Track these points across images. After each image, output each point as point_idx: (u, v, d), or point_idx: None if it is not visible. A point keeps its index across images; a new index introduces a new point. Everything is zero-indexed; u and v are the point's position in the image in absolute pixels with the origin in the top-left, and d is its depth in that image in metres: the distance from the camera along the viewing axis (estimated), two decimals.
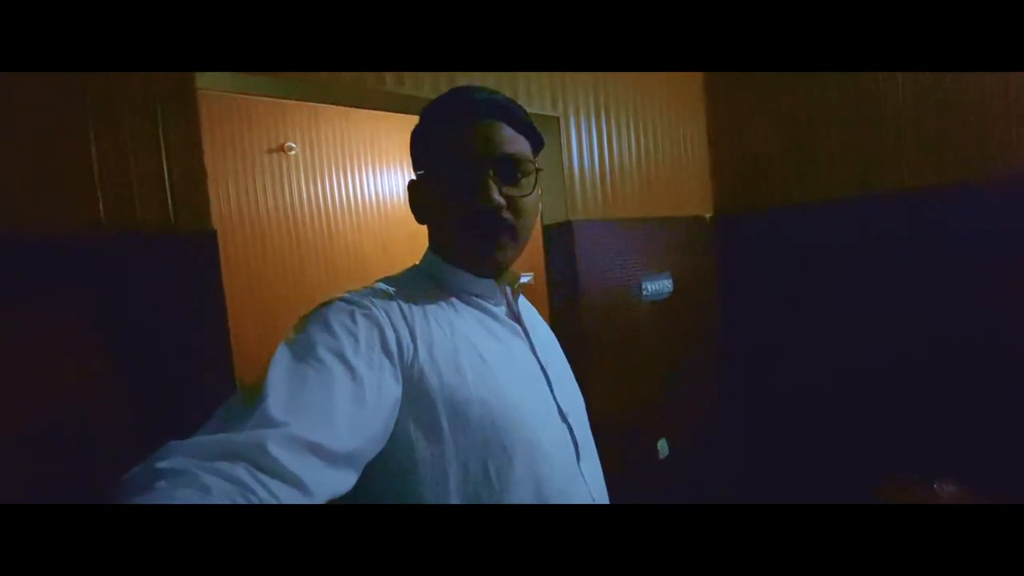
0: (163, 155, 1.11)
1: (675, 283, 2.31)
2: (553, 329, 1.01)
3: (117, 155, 1.06)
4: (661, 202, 2.33)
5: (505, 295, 0.76)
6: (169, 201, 1.12)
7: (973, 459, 1.87)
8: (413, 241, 3.72)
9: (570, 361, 0.98)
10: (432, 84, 1.58)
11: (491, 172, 0.66)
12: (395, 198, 3.93)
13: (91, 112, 1.03)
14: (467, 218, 0.67)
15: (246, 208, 3.28)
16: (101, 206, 1.04)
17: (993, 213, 1.85)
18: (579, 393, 0.82)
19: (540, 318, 0.88)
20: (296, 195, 3.49)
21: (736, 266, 2.52)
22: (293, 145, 3.42)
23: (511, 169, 0.68)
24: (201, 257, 1.17)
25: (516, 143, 0.69)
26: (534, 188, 0.71)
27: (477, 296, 0.73)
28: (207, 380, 1.16)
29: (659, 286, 2.24)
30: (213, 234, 1.19)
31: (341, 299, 0.62)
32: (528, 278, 3.34)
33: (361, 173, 3.79)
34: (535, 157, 0.73)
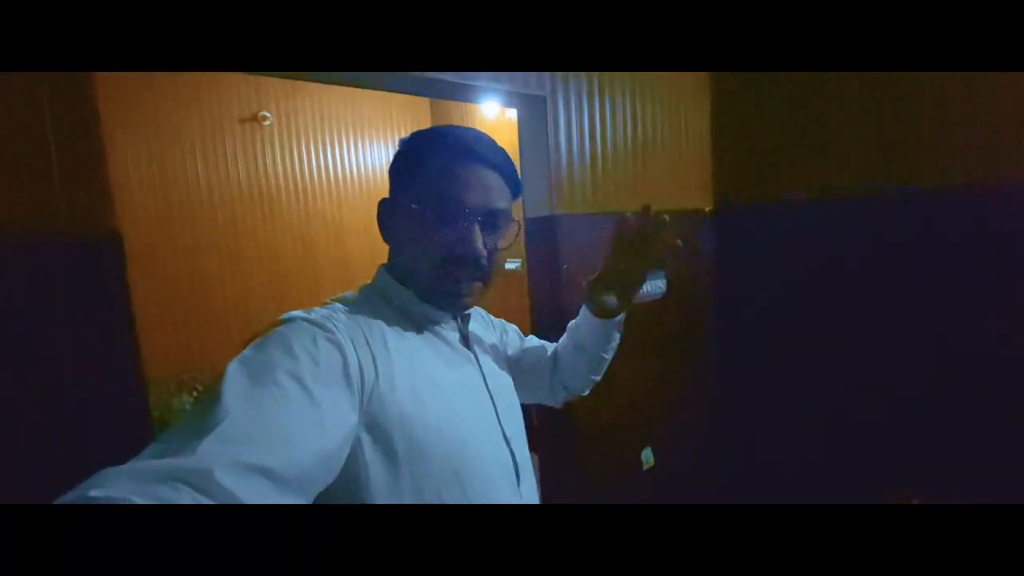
0: (50, 142, 0.91)
1: (670, 281, 2.14)
2: (534, 333, 0.96)
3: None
4: (658, 193, 2.14)
5: (458, 321, 0.78)
6: (60, 200, 0.93)
7: (974, 464, 1.79)
8: None
9: None
10: None
11: (478, 223, 0.69)
12: (379, 174, 3.71)
13: None
14: (447, 260, 0.69)
15: (215, 181, 3.07)
16: None
17: (1005, 217, 1.72)
18: (521, 416, 0.82)
19: (490, 330, 0.91)
20: (271, 168, 3.27)
21: (736, 264, 2.35)
22: (268, 115, 3.18)
23: (495, 223, 0.71)
24: (98, 261, 0.98)
25: (503, 197, 0.72)
26: (512, 242, 0.74)
27: (432, 323, 0.74)
28: (111, 398, 0.99)
29: (652, 287, 2.06)
30: (114, 235, 1.00)
31: (303, 318, 0.60)
32: (516, 264, 3.17)
33: (342, 146, 3.55)
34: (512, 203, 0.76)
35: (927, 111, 1.84)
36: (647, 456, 2.15)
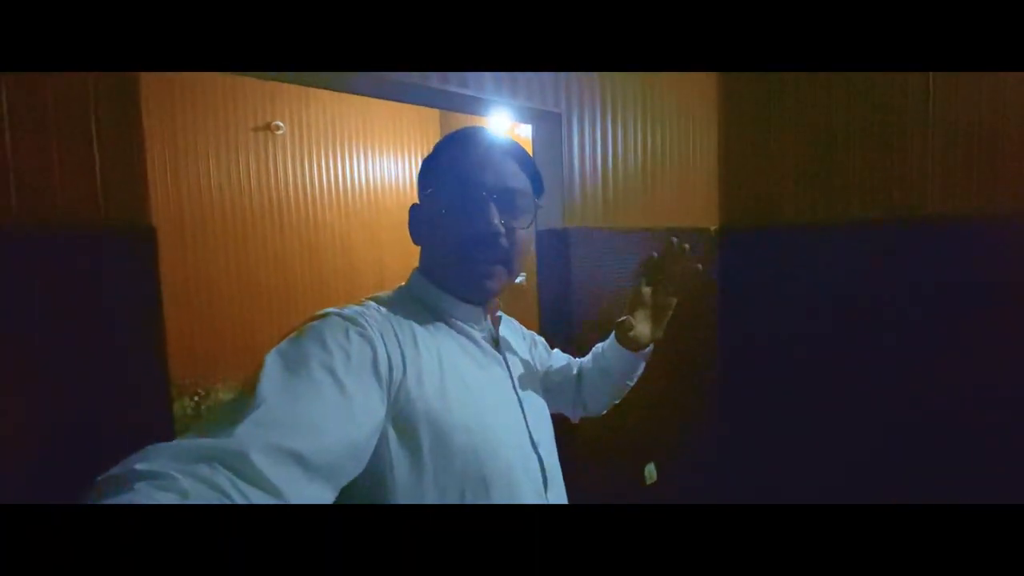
0: (95, 141, 0.95)
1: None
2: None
3: (37, 138, 0.90)
4: (665, 211, 2.18)
5: (488, 323, 0.78)
6: (100, 194, 0.96)
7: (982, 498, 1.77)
8: (402, 230, 3.55)
9: None
10: (423, 71, 1.42)
11: (493, 200, 0.69)
12: (387, 186, 3.76)
13: (7, 92, 0.87)
14: (464, 241, 0.69)
15: (227, 188, 3.11)
16: (13, 194, 0.88)
17: (1012, 247, 1.75)
18: (550, 421, 0.83)
19: (521, 338, 0.91)
20: (282, 177, 3.31)
21: (739, 284, 2.39)
22: (281, 124, 3.24)
23: (512, 202, 0.71)
24: (135, 257, 1.01)
25: (519, 179, 0.72)
26: (531, 224, 0.73)
27: (462, 322, 0.74)
28: (136, 387, 1.01)
29: None
30: (150, 230, 1.03)
31: (337, 314, 0.62)
32: (521, 278, 3.20)
33: (352, 157, 3.61)
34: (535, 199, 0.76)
35: (931, 142, 1.90)
36: (650, 471, 2.16)
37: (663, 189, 2.17)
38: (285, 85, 3.16)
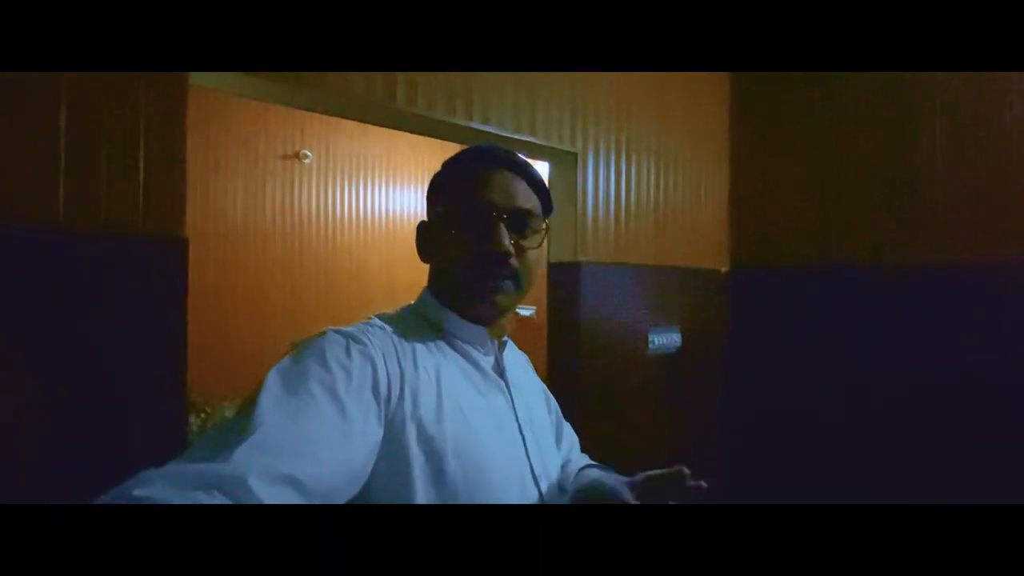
0: (140, 155, 1.02)
1: (684, 338, 2.18)
2: (550, 374, 0.95)
3: (90, 151, 0.98)
4: (676, 250, 2.22)
5: (494, 347, 0.76)
6: (140, 203, 1.02)
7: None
8: (417, 261, 3.62)
9: (564, 408, 0.91)
10: (446, 103, 1.50)
11: (504, 220, 0.68)
12: (404, 217, 3.86)
13: (65, 102, 0.95)
14: (474, 260, 0.69)
15: (252, 212, 3.22)
16: (61, 202, 0.95)
17: (1012, 290, 1.78)
18: (556, 456, 0.81)
19: (528, 368, 0.88)
20: (305, 204, 3.42)
21: (748, 324, 2.40)
22: (308, 153, 3.37)
23: (522, 222, 0.71)
24: (166, 265, 1.06)
25: (530, 199, 0.72)
26: (541, 244, 0.73)
27: (467, 343, 0.72)
28: (154, 392, 1.05)
29: (667, 339, 2.11)
30: (183, 242, 1.09)
31: (338, 331, 0.62)
32: (531, 311, 3.23)
33: (373, 188, 3.72)
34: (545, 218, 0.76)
35: (938, 186, 1.94)
36: None
37: (674, 229, 2.22)
38: (315, 115, 3.31)
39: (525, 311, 3.19)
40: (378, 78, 1.36)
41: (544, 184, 0.75)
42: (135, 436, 1.03)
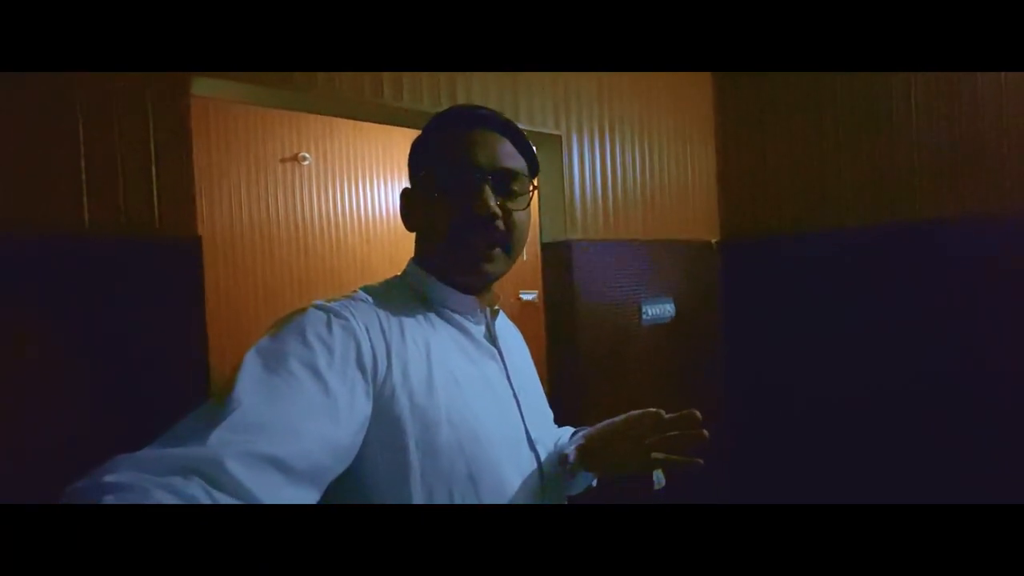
0: (152, 159, 1.11)
1: (677, 308, 2.26)
2: (548, 351, 0.99)
3: (106, 158, 1.07)
4: (666, 225, 2.29)
5: (485, 315, 0.74)
6: (155, 205, 1.12)
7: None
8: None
9: (565, 383, 0.94)
10: (431, 97, 1.58)
11: (488, 182, 0.65)
12: None
13: (81, 113, 1.05)
14: (460, 225, 0.66)
15: (256, 216, 3.32)
16: (86, 208, 1.04)
17: (1005, 248, 1.83)
18: (551, 420, 0.79)
19: (519, 338, 0.86)
20: (307, 205, 3.52)
21: (742, 293, 2.46)
22: (307, 155, 3.47)
23: (508, 183, 0.68)
24: (183, 263, 1.16)
25: (515, 159, 0.69)
26: (528, 205, 0.70)
27: (457, 313, 0.70)
28: (180, 385, 1.15)
29: (660, 310, 2.18)
30: (197, 240, 1.19)
31: (319, 307, 0.60)
32: (532, 296, 3.31)
33: (372, 186, 3.82)
34: (531, 179, 0.73)
35: (918, 147, 1.99)
36: (658, 477, 2.20)
37: (663, 204, 2.29)
38: (311, 117, 3.41)
39: (527, 295, 3.28)
40: (365, 76, 1.44)
41: (529, 143, 0.72)
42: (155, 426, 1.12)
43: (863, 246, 2.11)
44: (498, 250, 0.68)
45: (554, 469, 0.73)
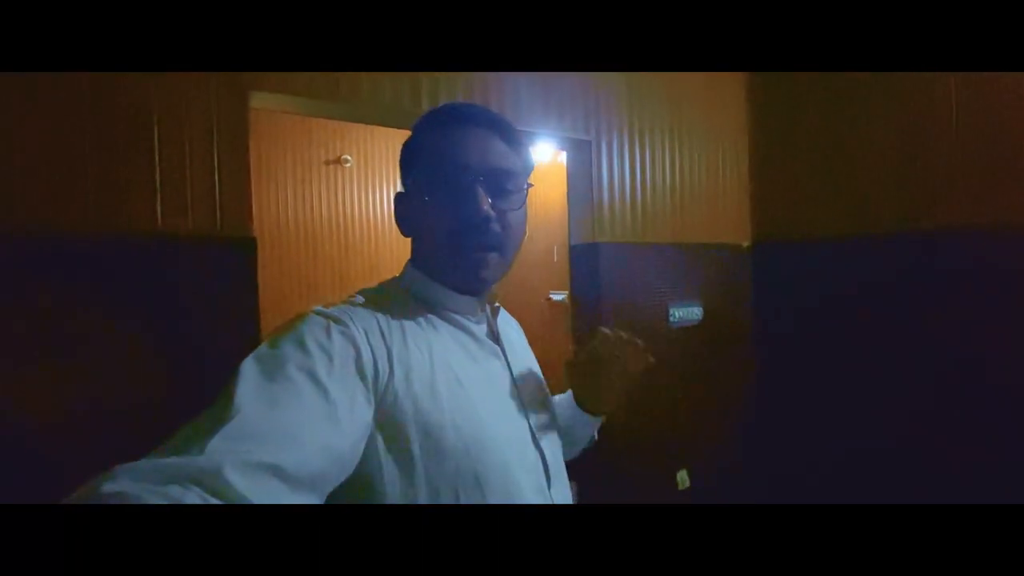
0: (215, 167, 1.24)
1: (706, 311, 2.27)
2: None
3: (176, 166, 1.20)
4: (696, 228, 2.31)
5: (486, 313, 0.74)
6: (217, 209, 1.24)
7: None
8: None
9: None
10: (449, 100, 1.67)
11: (480, 183, 0.64)
12: None
13: (158, 125, 1.17)
14: (453, 230, 0.64)
15: (302, 215, 3.50)
16: (159, 212, 1.18)
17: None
18: (554, 416, 0.79)
19: (519, 331, 0.86)
20: (348, 205, 3.68)
21: (773, 297, 2.45)
22: (348, 158, 3.62)
23: (500, 182, 0.66)
24: (240, 262, 1.29)
25: (507, 158, 0.67)
26: (522, 205, 0.69)
27: (457, 313, 0.70)
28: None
29: (687, 312, 2.21)
30: (253, 241, 1.31)
31: (318, 313, 0.60)
32: (562, 297, 3.36)
33: None
34: (526, 177, 0.72)
35: (955, 153, 1.94)
36: (682, 477, 2.23)
37: (694, 207, 2.31)
38: (352, 123, 3.56)
39: (557, 296, 3.34)
40: (405, 86, 1.54)
41: (522, 140, 0.71)
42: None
43: (897, 252, 2.07)
44: (494, 254, 0.67)
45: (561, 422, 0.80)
